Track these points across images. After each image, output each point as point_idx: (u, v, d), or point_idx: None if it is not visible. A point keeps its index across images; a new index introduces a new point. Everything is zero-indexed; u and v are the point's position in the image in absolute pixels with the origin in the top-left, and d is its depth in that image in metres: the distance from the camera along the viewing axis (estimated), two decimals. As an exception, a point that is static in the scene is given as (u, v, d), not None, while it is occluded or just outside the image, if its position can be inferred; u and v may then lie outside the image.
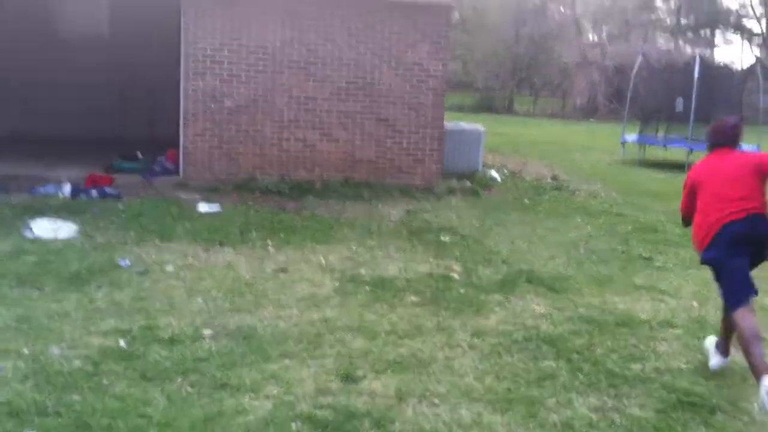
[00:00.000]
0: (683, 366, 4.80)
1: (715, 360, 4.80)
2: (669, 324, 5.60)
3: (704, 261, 4.68)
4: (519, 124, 26.67)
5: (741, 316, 4.34)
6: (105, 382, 4.07)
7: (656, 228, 9.16)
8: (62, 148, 11.81)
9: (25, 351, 4.40)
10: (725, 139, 4.84)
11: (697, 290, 6.56)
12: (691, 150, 15.50)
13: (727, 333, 4.72)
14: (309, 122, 10.51)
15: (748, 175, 4.57)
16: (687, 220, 4.98)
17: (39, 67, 13.33)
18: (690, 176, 4.90)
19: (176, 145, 10.42)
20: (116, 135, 12.28)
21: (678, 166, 15.48)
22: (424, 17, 10.66)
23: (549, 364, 4.71)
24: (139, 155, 10.55)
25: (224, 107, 10.19)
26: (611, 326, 5.46)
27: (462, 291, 6.14)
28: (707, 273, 7.07)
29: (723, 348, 4.79)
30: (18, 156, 10.89)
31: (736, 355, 4.65)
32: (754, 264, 4.57)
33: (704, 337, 5.16)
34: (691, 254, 7.84)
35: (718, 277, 4.63)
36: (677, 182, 13.22)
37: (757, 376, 4.08)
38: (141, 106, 12.87)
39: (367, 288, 6.07)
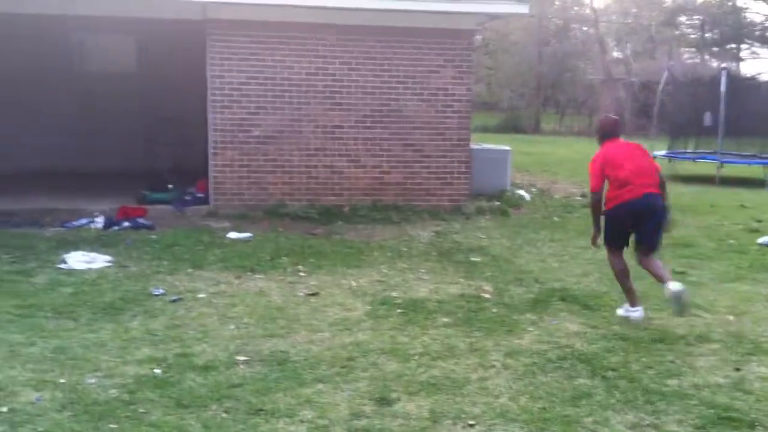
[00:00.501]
0: (721, 381, 4.73)
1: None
2: (705, 339, 5.52)
3: (607, 213, 6.00)
4: (546, 142, 26.59)
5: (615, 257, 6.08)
6: (141, 410, 4.10)
7: (689, 242, 9.06)
8: (94, 181, 12.01)
9: (62, 381, 4.46)
10: (616, 130, 6.28)
11: (732, 305, 6.47)
12: (722, 164, 15.35)
13: (657, 279, 5.94)
14: (336, 150, 10.59)
15: (650, 160, 6.25)
16: (598, 195, 6.09)
17: (69, 101, 13.62)
18: (599, 161, 6.08)
19: (206, 175, 10.55)
20: (146, 167, 12.45)
21: (708, 180, 15.34)
22: (447, 42, 10.73)
23: (584, 382, 4.66)
24: (170, 186, 10.68)
25: (252, 137, 10.31)
26: (646, 342, 5.40)
27: (494, 311, 6.12)
28: (743, 287, 7.03)
29: (664, 277, 5.87)
30: (51, 190, 11.09)
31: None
32: (656, 231, 5.94)
33: (739, 353, 5.10)
34: (726, 268, 7.78)
35: (608, 227, 6.03)
36: (709, 196, 13.16)
37: (632, 303, 5.97)
38: (170, 138, 13.05)
39: (399, 310, 6.06)
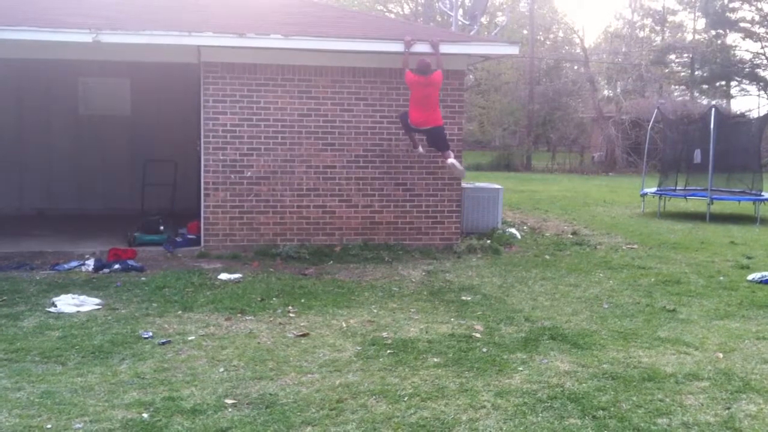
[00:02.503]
0: (711, 419, 4.72)
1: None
2: (695, 377, 5.51)
3: None
4: (538, 180, 26.74)
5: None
6: (128, 455, 4.07)
7: (679, 280, 9.08)
8: (86, 222, 12.05)
9: (49, 426, 4.42)
10: (427, 69, 9.87)
11: (722, 342, 6.47)
12: (712, 200, 15.45)
13: None
14: (328, 190, 10.64)
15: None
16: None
17: (62, 143, 13.72)
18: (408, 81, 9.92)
19: (197, 216, 10.58)
20: (138, 208, 12.49)
21: (698, 217, 15.42)
22: (438, 82, 10.85)
23: (575, 422, 4.64)
24: (161, 227, 10.70)
25: (244, 178, 10.36)
26: (636, 381, 5.39)
27: (485, 350, 6.11)
28: (732, 324, 7.05)
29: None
30: (42, 232, 11.11)
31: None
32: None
33: (728, 391, 5.07)
34: (716, 305, 7.80)
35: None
36: (699, 233, 13.23)
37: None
38: (162, 180, 13.12)
39: (389, 351, 6.05)
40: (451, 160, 10.13)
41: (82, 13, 10.28)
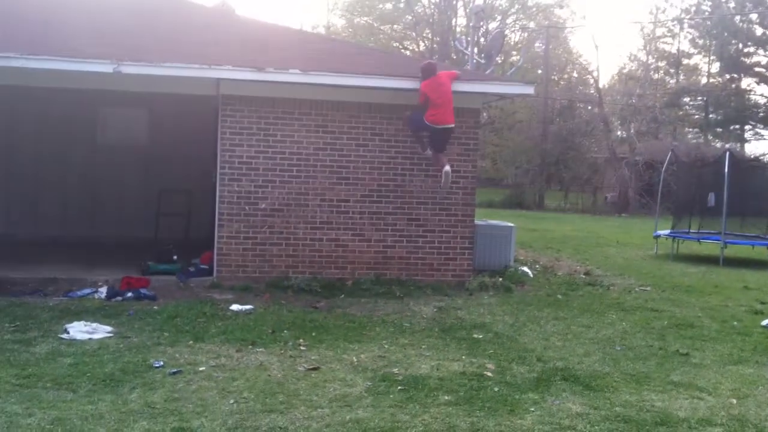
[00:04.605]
0: (726, 466, 4.66)
1: None
2: (708, 422, 5.45)
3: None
4: (550, 219, 26.72)
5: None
6: (136, 485, 4.05)
7: (692, 323, 9.02)
8: (100, 250, 12.11)
9: (59, 454, 4.42)
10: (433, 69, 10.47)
11: (736, 387, 6.40)
12: (725, 244, 15.38)
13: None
14: (341, 223, 10.67)
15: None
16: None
17: (79, 171, 13.85)
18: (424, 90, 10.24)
19: (210, 247, 10.62)
20: (153, 237, 12.54)
21: (712, 260, 15.34)
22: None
23: (586, 465, 4.59)
24: (175, 257, 10.74)
25: (258, 210, 10.42)
26: (649, 425, 5.34)
27: (496, 389, 6.07)
28: (746, 369, 6.99)
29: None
30: (57, 258, 11.17)
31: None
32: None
33: None
34: (729, 350, 7.74)
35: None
36: (712, 276, 13.16)
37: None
38: (176, 209, 13.20)
39: (400, 387, 6.02)
40: (448, 168, 10.45)
41: (103, 43, 10.42)
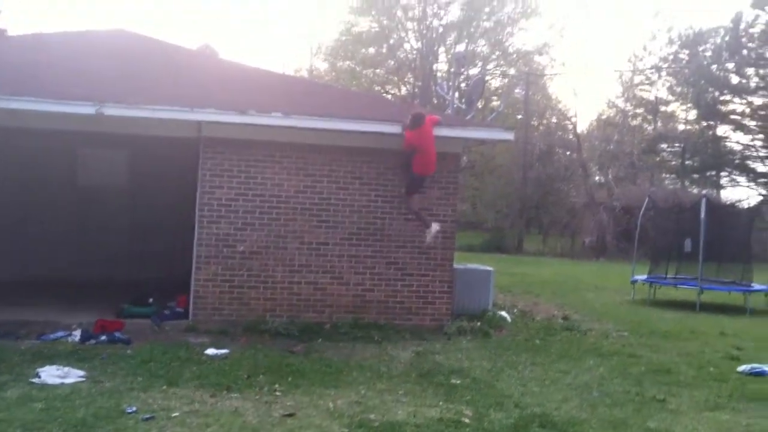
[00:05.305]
0: None
1: None
2: (685, 471, 5.44)
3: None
4: (529, 263, 26.80)
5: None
6: None
7: (669, 369, 9.04)
8: (80, 291, 11.99)
9: (25, 503, 4.32)
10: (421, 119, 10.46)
11: (713, 435, 6.40)
12: (702, 290, 15.48)
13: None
14: (320, 266, 10.66)
15: None
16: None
17: (61, 212, 13.76)
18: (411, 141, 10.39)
19: (186, 289, 10.54)
20: (129, 279, 12.46)
21: (689, 306, 15.43)
22: (433, 164, 11.02)
23: None
24: (150, 300, 10.65)
25: (236, 252, 10.38)
26: (626, 473, 5.31)
27: (472, 437, 6.02)
28: (723, 416, 7.00)
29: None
30: (32, 301, 11.03)
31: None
32: None
33: None
34: (706, 396, 7.75)
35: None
36: (689, 322, 13.22)
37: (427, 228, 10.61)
38: (154, 251, 13.14)
39: (376, 434, 5.96)
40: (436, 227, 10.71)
41: (85, 85, 10.45)
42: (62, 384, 6.94)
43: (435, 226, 10.62)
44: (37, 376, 7.11)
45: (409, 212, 10.83)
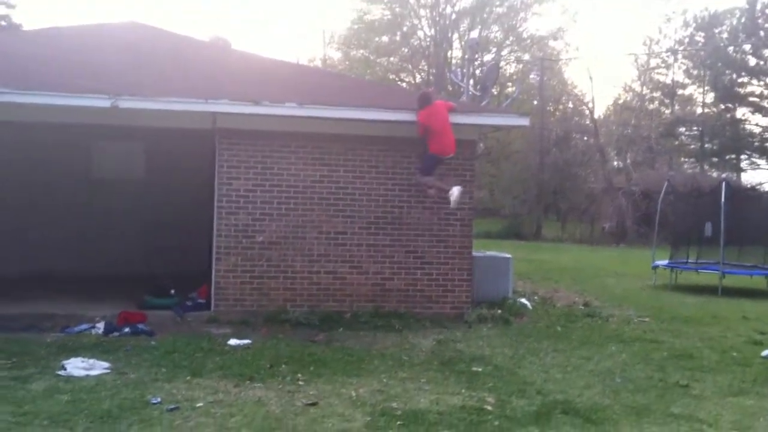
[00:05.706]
0: (729, 501, 4.61)
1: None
2: (711, 456, 5.41)
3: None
4: (548, 250, 26.72)
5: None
6: None
7: (692, 354, 8.98)
8: (98, 285, 12.06)
9: (55, 493, 4.37)
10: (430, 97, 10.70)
11: (736, 419, 6.36)
12: (724, 274, 15.37)
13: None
14: (339, 256, 10.67)
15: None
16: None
17: (74, 205, 13.83)
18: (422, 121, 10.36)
19: (208, 280, 10.60)
20: (150, 272, 12.51)
21: (710, 290, 15.32)
22: (450, 151, 10.99)
23: (588, 500, 4.55)
24: (172, 291, 10.71)
25: (255, 243, 10.41)
26: (651, 459, 5.29)
27: (496, 424, 6.03)
28: (747, 401, 6.95)
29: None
30: (54, 294, 11.11)
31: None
32: None
33: None
34: (729, 381, 7.70)
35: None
36: (711, 306, 13.13)
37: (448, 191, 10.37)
38: (174, 243, 13.19)
39: (399, 422, 5.97)
40: (457, 190, 10.39)
41: (99, 78, 10.48)
42: (87, 376, 7.01)
43: (456, 190, 10.35)
44: (63, 368, 7.18)
45: (425, 186, 10.65)
